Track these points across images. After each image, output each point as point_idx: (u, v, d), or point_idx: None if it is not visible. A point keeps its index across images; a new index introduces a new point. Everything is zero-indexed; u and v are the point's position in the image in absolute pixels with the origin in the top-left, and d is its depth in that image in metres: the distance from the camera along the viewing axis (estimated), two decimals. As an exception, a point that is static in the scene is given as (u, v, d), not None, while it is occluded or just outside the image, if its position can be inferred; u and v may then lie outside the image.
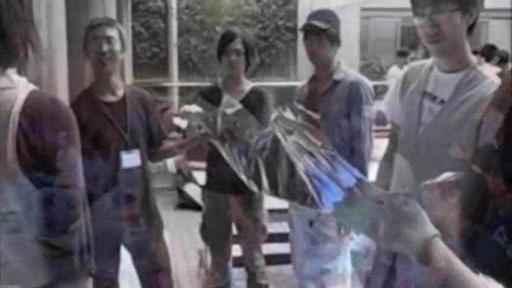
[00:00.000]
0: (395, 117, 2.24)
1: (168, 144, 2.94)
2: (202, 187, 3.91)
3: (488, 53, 7.01)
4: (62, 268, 1.47)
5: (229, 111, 1.47)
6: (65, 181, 1.44)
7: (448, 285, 0.91)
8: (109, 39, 2.64)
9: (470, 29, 1.98)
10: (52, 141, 1.40)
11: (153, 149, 2.87)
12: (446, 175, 1.07)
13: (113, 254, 2.78)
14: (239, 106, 1.50)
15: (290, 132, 1.19)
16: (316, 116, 3.03)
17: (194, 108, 2.70)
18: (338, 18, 3.04)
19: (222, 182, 3.11)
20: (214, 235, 3.41)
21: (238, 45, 3.07)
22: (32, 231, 1.41)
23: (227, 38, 3.10)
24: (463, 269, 0.93)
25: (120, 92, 2.76)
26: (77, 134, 1.48)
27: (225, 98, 1.48)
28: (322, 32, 2.94)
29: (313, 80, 3.14)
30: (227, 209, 3.27)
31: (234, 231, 3.46)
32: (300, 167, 1.13)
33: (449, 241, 1.55)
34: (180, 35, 11.01)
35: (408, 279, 1.82)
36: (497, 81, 1.97)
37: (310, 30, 2.99)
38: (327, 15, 3.02)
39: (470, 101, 1.93)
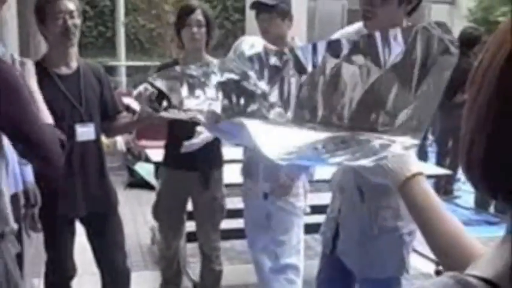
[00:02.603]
0: None
1: (123, 120, 2.92)
2: (156, 164, 3.90)
3: None
4: None
5: None
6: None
7: (422, 220, 0.98)
8: (72, 14, 2.60)
9: (410, 11, 2.10)
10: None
11: (108, 123, 2.85)
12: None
13: (68, 228, 2.76)
14: None
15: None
16: None
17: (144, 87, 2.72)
18: None
19: (180, 158, 3.11)
20: (168, 213, 3.39)
21: (199, 16, 3.05)
22: None
23: (188, 10, 3.08)
24: (439, 206, 1.00)
25: (74, 65, 2.73)
26: (23, 89, 1.55)
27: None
28: (272, 9, 2.97)
29: (268, 54, 3.18)
30: (184, 186, 3.25)
31: (189, 207, 3.46)
32: None
33: None
34: (127, 13, 10.82)
35: (351, 230, 2.25)
36: None
37: (259, 8, 3.02)
38: None
39: None
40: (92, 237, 2.86)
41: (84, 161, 2.70)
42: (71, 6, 2.61)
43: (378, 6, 2.03)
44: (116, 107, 2.91)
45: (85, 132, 2.68)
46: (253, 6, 3.05)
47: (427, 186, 1.02)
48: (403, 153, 1.04)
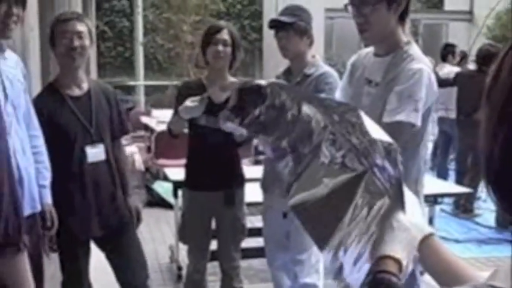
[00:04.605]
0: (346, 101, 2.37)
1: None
2: (175, 183, 3.90)
3: (444, 51, 7.24)
4: None
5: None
6: None
7: (436, 278, 0.97)
8: (79, 34, 2.63)
9: (403, 15, 2.14)
10: None
11: (115, 141, 2.88)
12: None
13: (83, 249, 2.78)
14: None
15: None
16: None
17: (191, 102, 2.80)
18: (307, 12, 3.08)
19: (203, 179, 3.10)
20: (195, 236, 3.29)
21: (225, 35, 3.05)
22: None
23: (214, 29, 3.09)
24: (453, 261, 0.97)
25: (85, 86, 2.76)
26: None
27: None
28: (289, 26, 2.98)
29: (288, 72, 3.18)
30: (209, 207, 3.19)
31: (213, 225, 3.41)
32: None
33: None
34: (145, 33, 10.95)
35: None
36: (419, 58, 2.09)
37: (277, 26, 3.04)
38: (293, 10, 3.06)
39: (396, 79, 2.09)
40: (110, 257, 2.87)
41: (96, 181, 2.73)
42: (80, 27, 2.64)
43: (369, 15, 2.08)
44: (123, 128, 2.95)
45: (95, 153, 2.71)
46: (271, 24, 3.07)
47: (438, 246, 0.99)
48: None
